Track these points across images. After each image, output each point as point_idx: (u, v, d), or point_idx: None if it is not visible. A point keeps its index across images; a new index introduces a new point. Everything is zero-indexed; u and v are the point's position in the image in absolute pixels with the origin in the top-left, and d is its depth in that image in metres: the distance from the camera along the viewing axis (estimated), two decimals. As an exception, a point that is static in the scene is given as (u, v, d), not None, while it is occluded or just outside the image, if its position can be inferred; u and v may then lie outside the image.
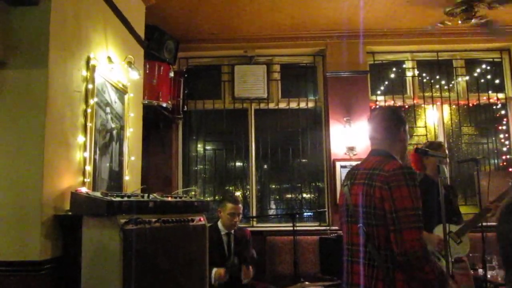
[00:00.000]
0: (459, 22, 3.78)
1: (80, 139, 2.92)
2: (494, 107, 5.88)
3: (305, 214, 5.84)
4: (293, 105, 5.89)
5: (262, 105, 5.90)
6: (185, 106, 5.57)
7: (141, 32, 4.33)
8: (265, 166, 5.95)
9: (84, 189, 2.73)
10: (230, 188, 5.91)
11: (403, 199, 1.95)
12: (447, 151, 3.49)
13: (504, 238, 0.87)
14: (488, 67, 5.94)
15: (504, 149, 5.78)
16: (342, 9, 4.91)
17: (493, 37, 4.61)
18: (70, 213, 2.61)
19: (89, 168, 2.96)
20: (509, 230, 0.84)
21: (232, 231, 4.14)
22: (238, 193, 5.82)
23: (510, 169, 5.66)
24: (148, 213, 2.48)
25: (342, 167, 5.35)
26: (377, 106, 5.72)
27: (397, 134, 2.25)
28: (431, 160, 3.31)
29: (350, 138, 5.41)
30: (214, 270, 3.76)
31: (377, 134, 2.27)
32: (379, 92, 5.90)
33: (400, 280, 1.97)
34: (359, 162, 2.38)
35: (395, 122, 2.26)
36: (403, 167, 2.05)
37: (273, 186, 6.00)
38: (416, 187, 2.00)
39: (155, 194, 2.75)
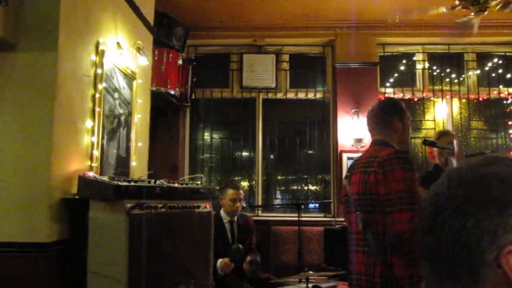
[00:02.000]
0: (472, 14, 3.72)
1: (88, 123, 2.93)
2: (505, 102, 5.82)
3: (310, 205, 5.84)
4: (301, 95, 5.86)
5: (270, 95, 5.88)
6: (193, 94, 5.56)
7: (151, 19, 4.32)
8: (272, 156, 5.95)
9: (91, 173, 2.75)
10: (236, 177, 5.92)
11: (397, 182, 1.97)
12: (455, 141, 3.45)
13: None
14: (500, 61, 5.87)
15: (513, 144, 5.74)
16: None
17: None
18: (77, 197, 2.63)
19: (96, 153, 2.97)
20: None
21: (235, 219, 4.16)
22: (244, 183, 5.83)
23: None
24: (155, 199, 2.49)
25: (349, 158, 5.33)
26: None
27: (390, 124, 2.26)
28: (437, 150, 3.30)
29: (358, 130, 5.38)
30: (219, 260, 3.77)
31: (373, 125, 2.32)
32: (388, 84, 5.86)
33: (397, 265, 1.98)
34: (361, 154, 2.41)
35: (387, 112, 2.29)
36: (397, 151, 2.08)
37: (279, 177, 6.00)
38: (411, 170, 2.02)
39: (161, 180, 2.76)
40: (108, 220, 2.35)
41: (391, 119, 2.26)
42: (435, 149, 3.35)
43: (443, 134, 3.53)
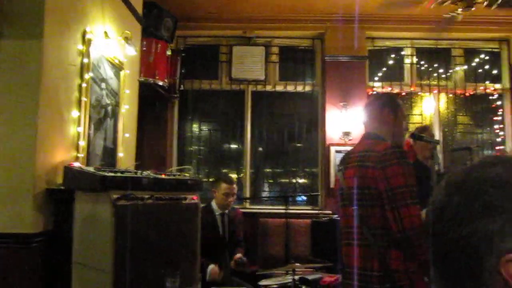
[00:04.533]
0: (460, 10, 3.74)
1: (75, 113, 2.90)
2: (491, 97, 5.88)
3: (298, 197, 5.87)
4: (290, 88, 5.86)
5: (259, 87, 5.87)
6: (182, 85, 5.53)
7: (139, 8, 4.26)
8: (260, 149, 5.94)
9: (77, 164, 2.72)
10: (225, 170, 5.91)
11: (397, 176, 1.98)
12: (435, 134, 3.51)
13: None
14: (487, 57, 5.92)
15: (498, 139, 5.80)
16: (343, -7, 4.86)
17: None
18: (62, 187, 2.60)
19: (82, 143, 2.94)
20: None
21: (226, 211, 4.16)
22: (232, 175, 5.83)
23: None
24: (141, 190, 2.47)
25: (337, 151, 5.36)
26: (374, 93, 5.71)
27: (381, 116, 2.28)
28: (419, 145, 3.32)
29: (346, 123, 5.40)
30: (210, 267, 3.78)
31: (366, 119, 2.35)
32: (376, 78, 5.88)
33: (395, 259, 1.99)
34: (353, 146, 2.41)
35: (380, 106, 2.31)
36: (394, 146, 2.08)
37: (268, 170, 6.01)
38: (408, 164, 2.04)
39: (148, 171, 2.74)
40: (93, 211, 2.33)
41: (382, 111, 2.28)
42: (416, 145, 3.36)
43: (424, 129, 3.55)
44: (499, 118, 5.83)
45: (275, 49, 5.94)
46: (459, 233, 0.65)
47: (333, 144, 5.43)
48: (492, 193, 0.64)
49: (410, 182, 1.99)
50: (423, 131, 3.39)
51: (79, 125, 2.92)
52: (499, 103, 5.86)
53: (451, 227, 0.66)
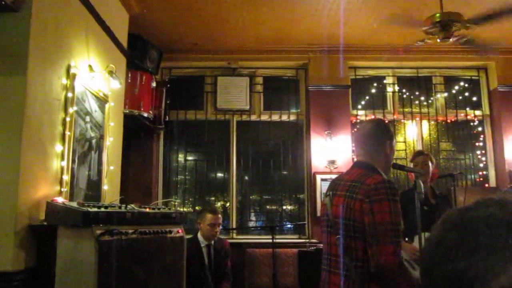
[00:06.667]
0: (438, 40, 3.86)
1: (58, 148, 2.88)
2: (471, 123, 6.00)
3: (285, 226, 5.84)
4: (275, 117, 5.91)
5: (244, 117, 5.91)
6: (167, 116, 5.54)
7: (124, 41, 4.32)
8: (246, 178, 5.94)
9: (60, 199, 2.69)
10: (211, 199, 5.89)
11: (383, 213, 1.97)
12: (429, 162, 3.52)
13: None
14: (466, 85, 6.07)
15: (481, 165, 5.89)
16: (325, 25, 4.97)
17: (480, 53, 4.79)
18: (45, 223, 2.57)
19: (66, 178, 2.92)
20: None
21: (212, 242, 4.12)
22: (218, 204, 5.80)
23: (486, 185, 5.77)
24: (125, 224, 2.45)
25: (322, 180, 5.38)
26: (365, 119, 5.74)
27: (382, 148, 2.26)
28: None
29: (331, 152, 5.44)
30: None
31: (362, 147, 2.30)
32: (360, 107, 5.97)
33: None
34: (342, 173, 2.40)
35: (381, 136, 2.28)
36: (385, 181, 2.06)
37: (254, 198, 5.99)
38: (396, 202, 2.01)
39: (133, 205, 2.72)
40: (76, 247, 2.30)
41: (384, 142, 2.27)
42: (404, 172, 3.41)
43: (418, 154, 3.63)
44: (481, 143, 5.93)
45: (259, 79, 6.02)
46: (454, 267, 0.66)
47: (318, 173, 5.46)
48: (486, 232, 0.65)
49: (394, 220, 1.97)
50: (416, 156, 3.56)
51: (62, 159, 2.91)
52: (480, 129, 5.97)
53: (447, 262, 0.67)
